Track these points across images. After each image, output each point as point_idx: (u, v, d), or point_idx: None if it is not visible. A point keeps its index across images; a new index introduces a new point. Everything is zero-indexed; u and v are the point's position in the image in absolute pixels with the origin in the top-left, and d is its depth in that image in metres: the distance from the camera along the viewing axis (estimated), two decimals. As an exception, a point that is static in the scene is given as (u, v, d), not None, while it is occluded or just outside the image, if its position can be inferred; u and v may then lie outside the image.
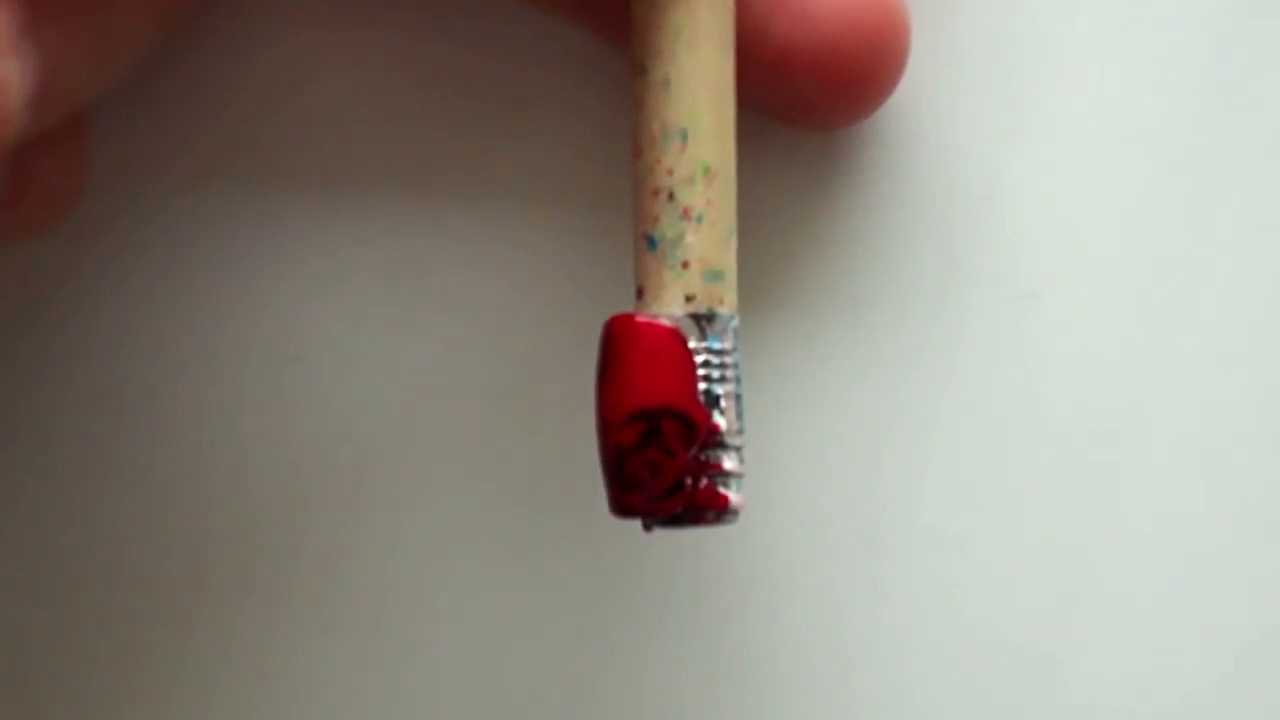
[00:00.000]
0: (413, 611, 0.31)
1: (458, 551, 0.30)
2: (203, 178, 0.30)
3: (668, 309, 0.25)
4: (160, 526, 0.31)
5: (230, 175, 0.30)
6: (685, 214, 0.25)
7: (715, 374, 0.25)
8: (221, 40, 0.30)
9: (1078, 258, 0.30)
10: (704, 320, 0.25)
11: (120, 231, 0.30)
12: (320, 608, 0.31)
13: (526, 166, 0.30)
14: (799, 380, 0.30)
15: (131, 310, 0.30)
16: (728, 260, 0.25)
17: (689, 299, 0.25)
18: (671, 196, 0.25)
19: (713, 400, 0.25)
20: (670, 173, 0.25)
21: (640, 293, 0.25)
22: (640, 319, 0.25)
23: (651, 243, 0.25)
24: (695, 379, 0.25)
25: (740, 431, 0.25)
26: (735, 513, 0.25)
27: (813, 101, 0.28)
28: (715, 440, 0.25)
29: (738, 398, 0.25)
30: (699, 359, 0.25)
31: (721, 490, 0.25)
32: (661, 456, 0.24)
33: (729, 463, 0.25)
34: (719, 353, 0.25)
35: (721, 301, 0.25)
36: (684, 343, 0.25)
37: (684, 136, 0.25)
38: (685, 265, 0.25)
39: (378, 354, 0.30)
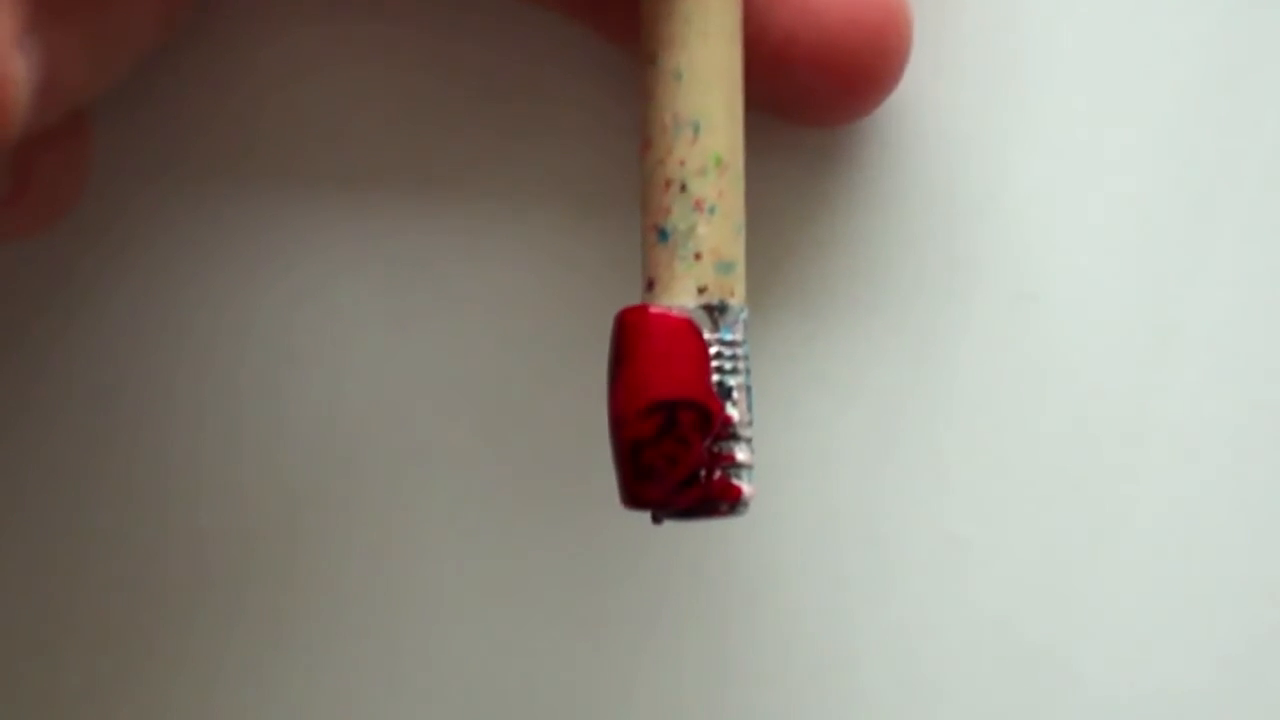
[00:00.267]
0: (412, 611, 0.30)
1: (457, 551, 0.30)
2: (202, 176, 0.30)
3: (680, 301, 0.25)
4: (156, 524, 0.30)
5: (230, 173, 0.30)
6: (698, 205, 0.25)
7: (728, 365, 0.25)
8: (221, 37, 0.30)
9: (1078, 258, 0.30)
10: (716, 312, 0.25)
11: (119, 229, 0.30)
12: (318, 606, 0.31)
13: (527, 163, 0.30)
14: (798, 379, 0.30)
15: (130, 308, 0.30)
16: (738, 252, 0.25)
17: (701, 290, 0.25)
18: (684, 188, 0.25)
19: (725, 392, 0.25)
20: (682, 164, 0.25)
21: (650, 285, 0.25)
22: (654, 310, 0.25)
23: (663, 234, 0.25)
24: (709, 370, 0.25)
25: (750, 423, 0.25)
26: (746, 504, 0.25)
27: (813, 96, 0.28)
28: (728, 432, 0.25)
29: (748, 389, 0.25)
30: (712, 350, 0.25)
31: (735, 481, 0.25)
32: (678, 448, 0.24)
33: (741, 454, 0.25)
34: (730, 344, 0.25)
35: (732, 293, 0.25)
36: (699, 334, 0.25)
37: (696, 127, 0.25)
38: (698, 257, 0.25)
39: (378, 351, 0.30)
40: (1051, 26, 0.30)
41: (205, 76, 0.30)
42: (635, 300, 0.25)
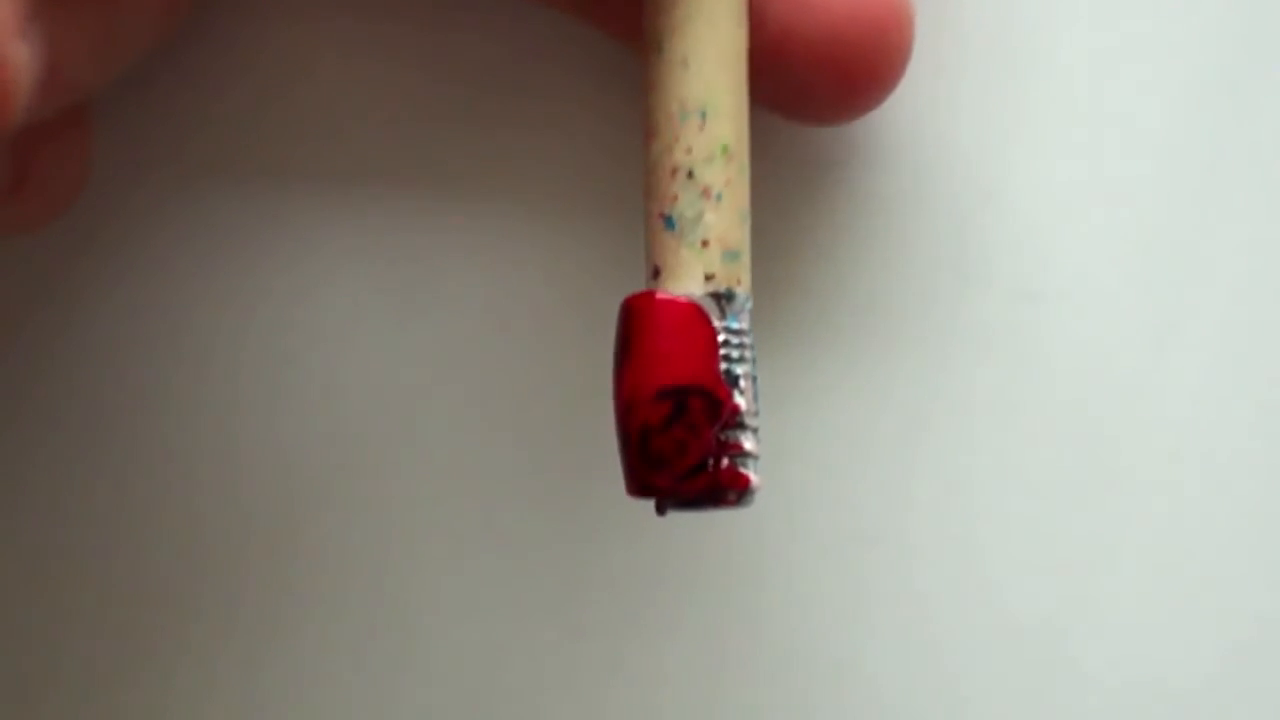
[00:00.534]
0: (411, 611, 0.30)
1: (457, 550, 0.30)
2: (201, 173, 0.30)
3: (687, 288, 0.25)
4: (154, 523, 0.30)
5: (229, 170, 0.30)
6: (705, 193, 0.25)
7: (735, 354, 0.25)
8: (221, 33, 0.30)
9: (1078, 258, 0.30)
10: (723, 300, 0.25)
11: (118, 226, 0.30)
12: (317, 606, 0.30)
13: (526, 161, 0.30)
14: (798, 379, 0.30)
15: (128, 305, 0.30)
16: (744, 241, 0.25)
17: (709, 278, 0.25)
18: (691, 175, 0.25)
19: (733, 380, 0.25)
20: (689, 151, 0.25)
21: (656, 272, 0.25)
22: (661, 296, 0.24)
23: (669, 222, 0.25)
24: (718, 357, 0.24)
25: (757, 414, 0.25)
26: (754, 494, 0.25)
27: (811, 91, 0.28)
28: (736, 421, 0.25)
29: (754, 379, 0.25)
30: (720, 338, 0.25)
31: (743, 471, 0.25)
32: (688, 434, 0.24)
33: (748, 444, 0.25)
34: (737, 332, 0.25)
35: (739, 282, 0.25)
36: (708, 320, 0.24)
37: (703, 115, 0.25)
38: (705, 244, 0.25)
39: (378, 348, 0.30)
40: (1051, 26, 0.30)
41: (205, 74, 0.30)
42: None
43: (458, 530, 0.30)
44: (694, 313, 0.24)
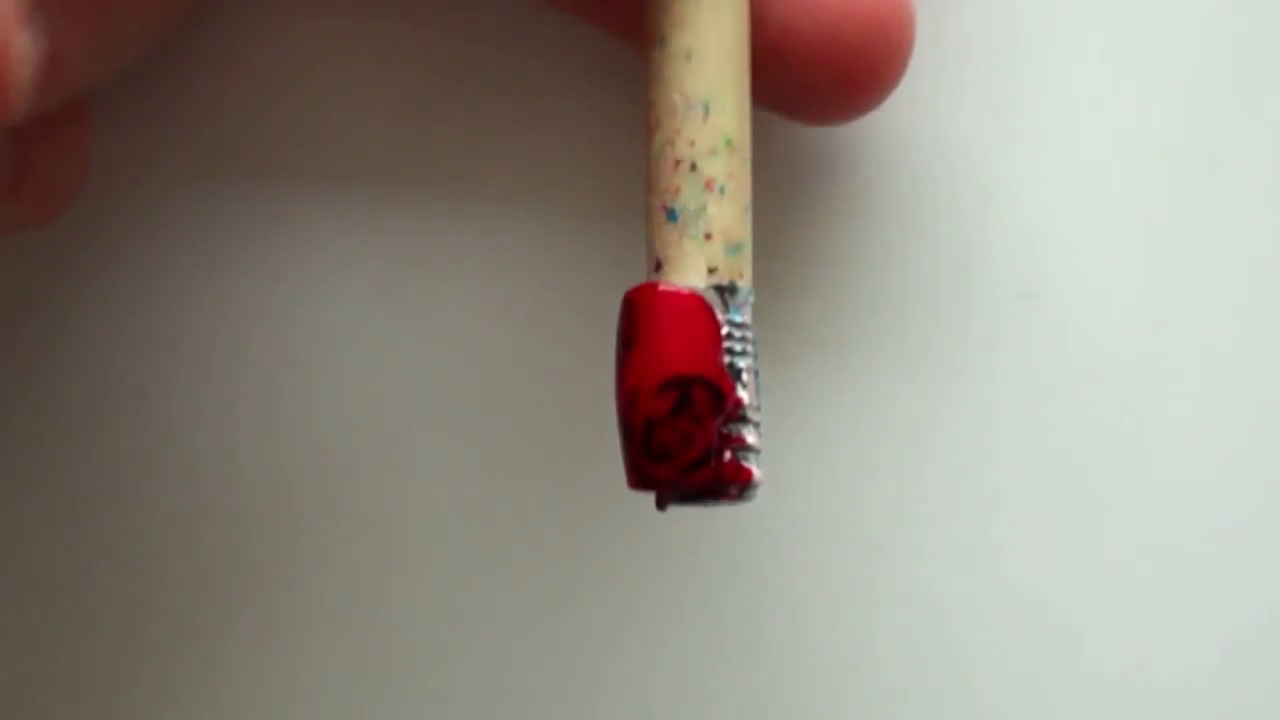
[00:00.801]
0: (412, 608, 0.30)
1: (458, 550, 0.30)
2: (201, 172, 0.30)
3: (690, 280, 0.25)
4: (154, 523, 0.30)
5: (229, 169, 0.30)
6: (708, 185, 0.25)
7: (737, 347, 0.25)
8: (220, 32, 0.30)
9: (1078, 258, 0.30)
10: (726, 292, 0.25)
11: (117, 226, 0.30)
12: (317, 607, 0.30)
13: (526, 160, 0.30)
14: (797, 379, 0.30)
15: (128, 305, 0.30)
16: (747, 234, 0.25)
17: (711, 270, 0.25)
18: (694, 167, 0.25)
19: (735, 373, 0.25)
20: (692, 144, 0.25)
21: (659, 265, 0.25)
22: (664, 288, 0.24)
23: (671, 214, 0.25)
24: (721, 349, 0.24)
25: (759, 408, 0.25)
26: (756, 489, 0.25)
27: (811, 90, 0.28)
28: (739, 414, 0.25)
29: (756, 373, 0.25)
30: (723, 331, 0.25)
31: (745, 464, 0.25)
32: (692, 426, 0.24)
33: (751, 437, 0.25)
34: (740, 326, 0.25)
35: (741, 275, 0.25)
36: (712, 311, 0.24)
37: (706, 108, 0.25)
38: (708, 237, 0.25)
39: (378, 348, 0.30)
40: (1051, 26, 0.30)
41: (205, 73, 0.30)
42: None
43: (458, 528, 0.30)
44: (697, 303, 0.24)
